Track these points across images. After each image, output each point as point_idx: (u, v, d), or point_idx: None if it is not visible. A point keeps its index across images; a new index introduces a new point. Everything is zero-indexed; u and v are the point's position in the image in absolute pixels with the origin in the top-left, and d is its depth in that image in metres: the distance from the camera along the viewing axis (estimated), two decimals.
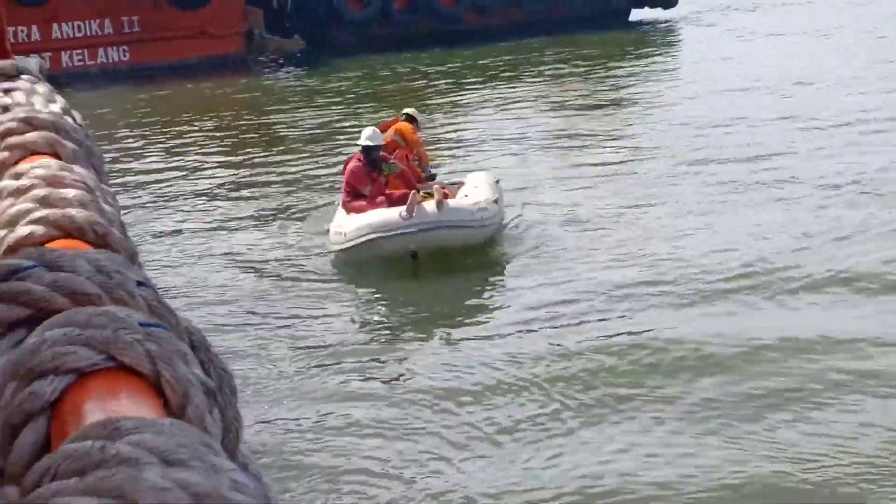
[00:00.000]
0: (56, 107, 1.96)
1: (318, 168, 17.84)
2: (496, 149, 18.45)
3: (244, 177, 17.99)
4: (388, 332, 10.81)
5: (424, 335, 10.40)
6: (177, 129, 22.83)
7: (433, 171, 14.50)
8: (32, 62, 2.56)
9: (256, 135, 21.93)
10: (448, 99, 24.20)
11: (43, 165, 1.54)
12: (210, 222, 15.24)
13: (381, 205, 12.67)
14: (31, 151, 1.72)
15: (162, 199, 16.86)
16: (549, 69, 27.15)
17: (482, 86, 25.52)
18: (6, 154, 1.67)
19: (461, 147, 19.00)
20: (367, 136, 13.14)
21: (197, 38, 30.40)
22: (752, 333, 9.71)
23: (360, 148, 13.21)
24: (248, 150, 20.35)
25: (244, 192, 16.82)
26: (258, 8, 32.62)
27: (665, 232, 12.84)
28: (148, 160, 19.97)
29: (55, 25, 29.57)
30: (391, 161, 13.14)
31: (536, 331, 10.11)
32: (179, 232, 14.83)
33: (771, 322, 9.90)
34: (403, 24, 31.43)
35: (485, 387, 8.95)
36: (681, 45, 30.58)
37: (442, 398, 8.83)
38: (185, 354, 0.97)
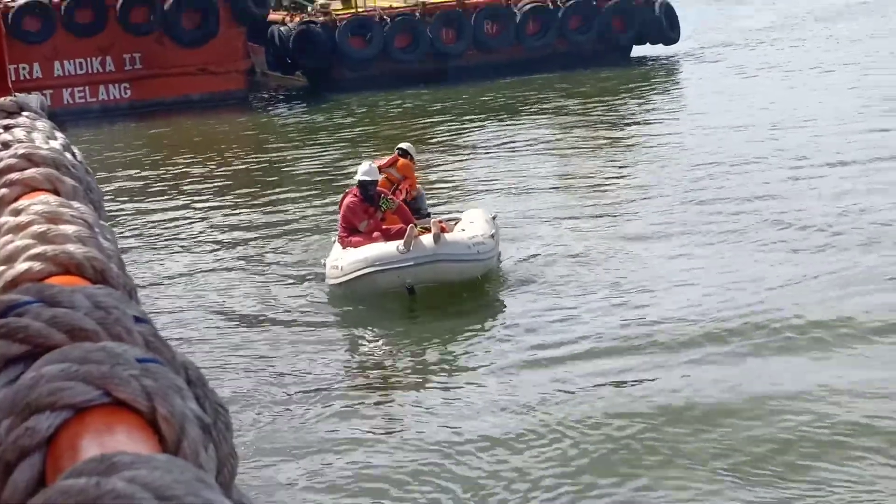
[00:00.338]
0: (56, 143, 1.97)
1: (317, 204, 17.88)
2: (494, 185, 18.49)
3: (243, 213, 18.02)
4: (383, 368, 10.80)
5: (420, 373, 10.38)
6: (177, 165, 22.88)
7: (428, 210, 14.56)
8: (34, 99, 2.57)
9: (257, 171, 21.98)
10: (448, 135, 24.27)
11: (42, 202, 1.54)
12: (208, 258, 15.26)
13: (377, 240, 12.70)
14: (31, 188, 1.73)
15: (162, 235, 16.88)
16: (549, 106, 27.25)
17: (483, 122, 25.61)
18: (6, 190, 1.68)
19: (459, 183, 19.05)
20: (364, 171, 13.18)
21: (198, 76, 30.49)
22: (744, 375, 9.69)
23: (356, 182, 13.25)
24: (248, 186, 20.39)
25: (243, 228, 16.84)
26: (260, 45, 32.76)
27: (663, 271, 12.84)
28: (149, 196, 20.01)
29: (56, 63, 29.67)
30: (388, 197, 13.19)
31: (531, 368, 10.09)
32: (178, 267, 14.84)
33: (765, 365, 9.87)
34: (405, 62, 31.56)
35: (480, 429, 8.92)
36: (682, 82, 30.69)
37: (439, 439, 8.79)
38: (181, 390, 0.97)
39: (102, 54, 29.91)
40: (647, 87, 29.41)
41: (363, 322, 12.06)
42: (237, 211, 18.23)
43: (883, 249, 12.92)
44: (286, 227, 16.61)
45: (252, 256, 15.19)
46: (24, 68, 29.36)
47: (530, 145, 22.17)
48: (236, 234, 16.53)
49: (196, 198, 19.48)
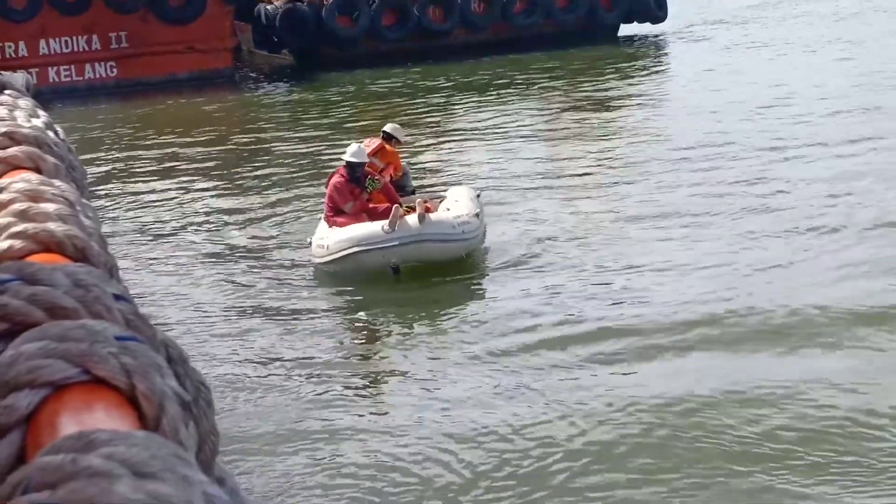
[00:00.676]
0: (38, 122, 1.96)
1: (303, 183, 17.85)
2: (480, 163, 18.48)
3: (229, 191, 17.98)
4: (367, 348, 10.82)
5: (404, 353, 10.38)
6: (163, 144, 22.81)
7: (413, 186, 14.57)
8: (19, 78, 2.56)
9: (243, 150, 21.93)
10: (435, 114, 24.24)
11: (23, 180, 1.54)
12: (193, 235, 15.25)
13: (362, 220, 12.73)
14: (12, 166, 1.72)
15: (147, 213, 16.84)
16: (536, 85, 27.22)
17: (469, 101, 25.57)
18: None
19: (445, 161, 19.04)
20: (352, 152, 13.17)
21: (185, 54, 30.38)
22: (735, 361, 9.73)
23: (343, 163, 13.25)
24: (234, 164, 20.34)
25: (228, 207, 16.81)
26: (246, 23, 32.63)
27: (649, 251, 12.85)
28: (134, 175, 19.95)
29: (42, 41, 29.53)
30: (374, 177, 13.19)
31: (516, 349, 10.10)
32: (162, 245, 14.82)
33: (755, 349, 9.88)
34: (392, 40, 31.48)
35: (465, 412, 8.92)
36: (669, 61, 30.68)
37: (424, 420, 8.81)
38: (161, 367, 0.98)
39: (88, 33, 29.77)
40: (635, 66, 29.39)
41: (347, 301, 12.07)
42: (223, 189, 18.19)
43: (873, 232, 12.95)
44: (272, 206, 16.59)
45: (237, 235, 15.17)
46: (9, 47, 29.22)
47: (517, 124, 22.16)
48: (222, 212, 16.50)
49: (182, 176, 19.43)
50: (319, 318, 11.55)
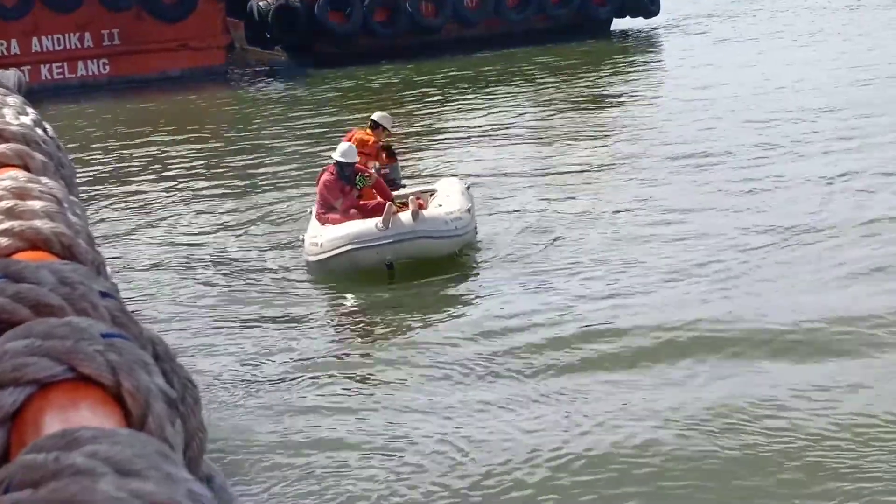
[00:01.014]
0: (27, 119, 1.95)
1: (296, 180, 17.83)
2: (473, 158, 18.48)
3: (222, 189, 17.96)
4: (360, 347, 10.81)
5: (398, 352, 10.37)
6: (156, 141, 22.78)
7: (402, 180, 14.57)
8: (11, 75, 2.55)
9: (236, 147, 21.90)
10: (427, 109, 24.23)
11: (11, 177, 1.53)
12: (185, 234, 15.22)
13: (353, 217, 12.74)
14: (0, 164, 1.72)
15: (140, 210, 16.81)
16: (529, 79, 27.22)
17: (462, 96, 25.56)
18: None
19: (438, 156, 19.03)
20: (342, 151, 13.18)
21: (178, 51, 30.34)
22: (730, 340, 9.74)
23: (333, 161, 13.25)
24: (227, 162, 20.32)
25: (220, 204, 16.79)
26: (239, 20, 32.59)
27: (643, 244, 12.86)
28: (127, 172, 19.93)
29: (34, 39, 29.47)
30: (364, 174, 13.19)
31: (510, 347, 10.08)
32: (153, 242, 14.81)
33: (751, 353, 9.87)
34: (385, 36, 31.46)
35: (458, 409, 8.92)
36: (662, 55, 30.68)
37: (416, 417, 8.81)
38: (147, 364, 0.97)
39: (81, 30, 29.72)
40: (628, 61, 29.39)
41: (340, 300, 12.07)
42: (215, 187, 18.16)
43: (870, 231, 12.93)
44: (265, 203, 16.56)
45: (229, 232, 15.14)
46: (1, 44, 29.17)
47: (509, 119, 22.15)
48: (213, 210, 16.48)
49: (174, 173, 19.40)
50: (311, 316, 11.54)
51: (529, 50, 30.37)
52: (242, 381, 9.71)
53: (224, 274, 13.12)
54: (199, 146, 21.95)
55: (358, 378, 9.79)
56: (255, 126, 24.27)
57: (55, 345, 0.94)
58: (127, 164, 20.66)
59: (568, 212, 14.52)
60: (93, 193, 17.69)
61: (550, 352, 9.80)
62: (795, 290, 10.85)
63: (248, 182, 18.29)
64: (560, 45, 30.83)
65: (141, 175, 19.57)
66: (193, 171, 19.54)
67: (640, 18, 34.24)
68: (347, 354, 10.55)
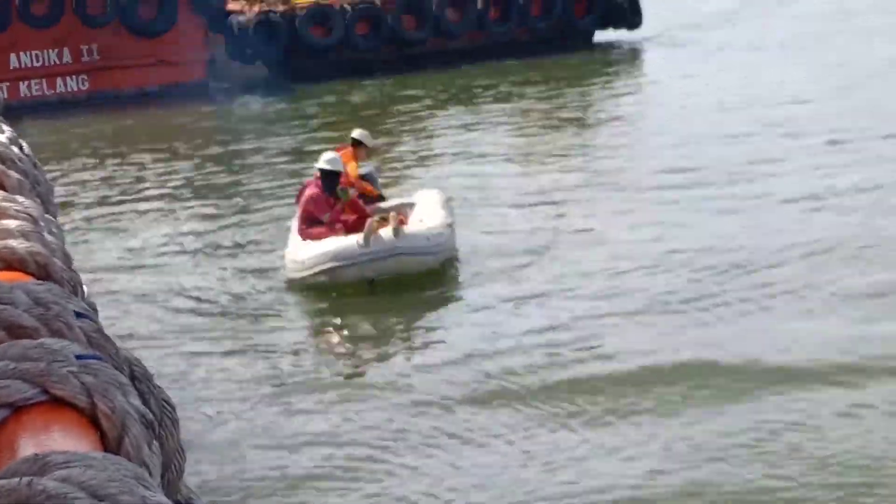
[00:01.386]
0: (2, 136, 1.93)
1: (277, 196, 17.79)
2: (457, 170, 18.49)
3: (201, 205, 17.91)
4: (341, 362, 10.78)
5: (380, 364, 10.35)
6: (137, 157, 22.72)
7: (381, 190, 14.57)
8: None
9: (217, 162, 21.85)
10: (410, 122, 24.24)
11: None
12: (164, 252, 15.16)
13: (338, 232, 12.74)
14: None
15: (119, 228, 16.75)
16: (511, 92, 27.26)
17: (444, 109, 25.59)
18: None
19: (421, 168, 19.03)
20: (327, 159, 13.13)
21: (157, 66, 30.28)
22: (716, 354, 9.74)
23: (318, 171, 13.16)
24: (208, 177, 20.27)
25: (201, 221, 16.74)
26: (219, 34, 32.53)
27: (625, 254, 12.87)
28: (107, 189, 19.86)
29: (13, 55, 29.38)
30: (344, 188, 13.19)
31: (491, 356, 10.08)
32: (132, 260, 14.75)
33: (738, 345, 9.90)
34: (366, 50, 31.46)
35: (442, 417, 8.91)
36: (644, 66, 30.77)
37: (399, 429, 8.78)
38: (123, 385, 0.96)
39: (59, 46, 29.63)
40: (610, 73, 29.47)
41: (321, 316, 12.06)
42: (195, 203, 18.12)
43: (853, 225, 12.99)
44: (247, 219, 16.53)
45: (209, 250, 15.10)
46: None
47: (490, 133, 22.17)
48: (194, 226, 16.43)
49: (154, 190, 19.34)
50: (292, 333, 11.52)
51: (512, 63, 30.42)
52: (221, 401, 9.66)
53: (203, 292, 13.07)
54: (178, 162, 21.89)
55: (334, 397, 9.75)
56: (235, 141, 24.23)
57: (28, 367, 0.92)
58: (106, 181, 20.59)
59: (549, 228, 14.52)
60: (70, 211, 17.62)
61: (530, 372, 9.78)
62: (784, 316, 10.82)
63: (227, 198, 18.25)
64: (543, 57, 30.89)
65: (120, 192, 19.50)
66: (173, 188, 19.49)
67: (623, 30, 34.32)
68: (325, 373, 10.51)
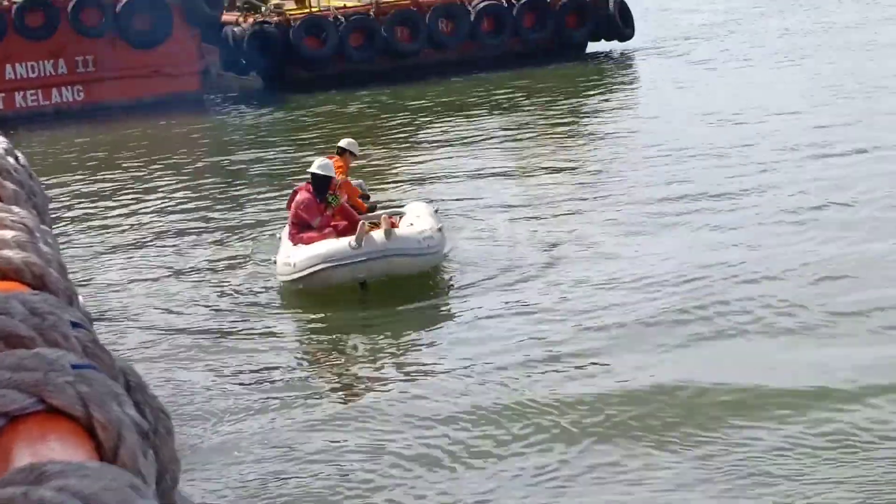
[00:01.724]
0: None
1: (271, 205, 17.80)
2: (450, 181, 18.52)
3: (196, 215, 17.91)
4: (333, 368, 10.79)
5: (373, 368, 10.37)
6: (131, 167, 22.72)
7: (369, 194, 14.65)
8: None
9: (212, 173, 21.86)
10: (402, 133, 24.26)
11: None
12: (159, 262, 15.17)
13: (329, 236, 12.83)
14: None
15: (114, 238, 16.75)
16: (504, 103, 27.30)
17: (437, 120, 25.61)
18: None
19: (414, 178, 19.05)
20: (319, 164, 13.22)
21: (152, 77, 30.29)
22: (704, 360, 9.74)
23: (310, 176, 13.25)
24: (202, 188, 20.28)
25: (195, 231, 16.75)
26: (214, 45, 32.56)
27: (613, 265, 12.88)
28: (102, 199, 19.85)
29: (8, 66, 29.38)
30: (335, 193, 13.27)
31: (481, 360, 10.10)
32: (128, 269, 14.76)
33: (724, 353, 9.91)
34: (360, 61, 31.50)
35: (432, 420, 8.91)
36: (636, 78, 30.83)
37: (393, 431, 8.79)
38: (119, 395, 0.96)
39: (54, 57, 29.64)
40: (602, 84, 29.52)
41: (313, 322, 12.07)
42: (190, 213, 18.12)
43: (847, 234, 13.00)
44: (240, 229, 16.54)
45: (204, 259, 15.10)
46: None
47: (484, 141, 22.20)
48: (189, 237, 16.44)
49: (149, 201, 19.34)
50: (286, 339, 11.52)
51: (505, 74, 30.47)
52: (217, 409, 9.65)
53: (198, 300, 13.08)
54: (173, 173, 21.89)
55: (326, 402, 9.75)
56: (230, 152, 24.24)
57: (24, 377, 0.93)
58: (101, 192, 20.58)
59: (540, 234, 14.55)
60: (66, 222, 17.60)
61: (522, 386, 9.78)
62: (779, 334, 10.78)
63: (222, 208, 18.25)
64: (535, 68, 30.94)
65: (115, 203, 19.49)
66: (168, 199, 19.49)
67: (616, 41, 34.39)
68: (318, 379, 10.52)
